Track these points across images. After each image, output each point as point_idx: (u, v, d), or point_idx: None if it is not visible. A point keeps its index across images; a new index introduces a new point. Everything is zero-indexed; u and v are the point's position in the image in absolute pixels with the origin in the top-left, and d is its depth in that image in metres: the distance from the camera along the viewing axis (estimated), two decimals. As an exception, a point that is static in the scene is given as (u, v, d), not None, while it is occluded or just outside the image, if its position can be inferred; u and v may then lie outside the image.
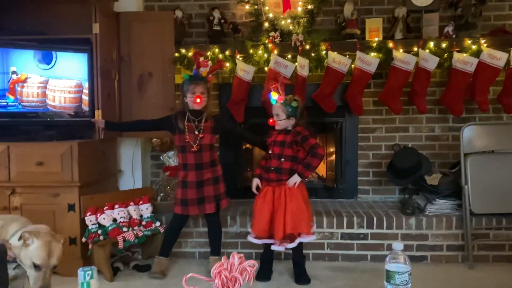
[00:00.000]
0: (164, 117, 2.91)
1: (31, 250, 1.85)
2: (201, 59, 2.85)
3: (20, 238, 1.88)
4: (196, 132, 2.79)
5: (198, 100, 2.74)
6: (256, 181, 2.85)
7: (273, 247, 2.72)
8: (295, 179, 2.71)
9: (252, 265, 1.31)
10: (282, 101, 2.76)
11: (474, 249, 3.05)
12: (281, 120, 2.77)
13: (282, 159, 2.74)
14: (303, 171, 2.72)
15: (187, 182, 2.81)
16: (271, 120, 2.79)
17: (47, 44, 3.09)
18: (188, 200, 2.80)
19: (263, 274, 2.79)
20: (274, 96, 2.79)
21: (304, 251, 2.91)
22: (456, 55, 3.27)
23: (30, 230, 1.87)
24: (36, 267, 1.84)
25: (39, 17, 3.32)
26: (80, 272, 0.97)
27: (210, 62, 2.94)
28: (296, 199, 2.72)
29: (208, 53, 3.38)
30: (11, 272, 1.96)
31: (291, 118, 2.76)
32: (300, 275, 2.79)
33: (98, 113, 3.05)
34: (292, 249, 2.76)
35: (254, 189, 2.85)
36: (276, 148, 2.77)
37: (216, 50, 3.39)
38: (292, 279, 2.82)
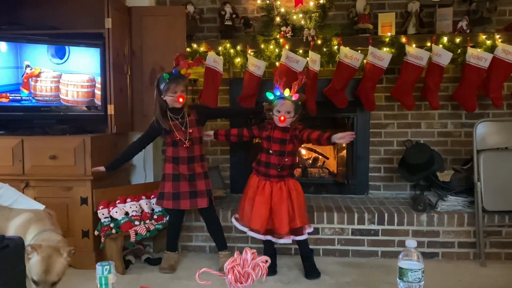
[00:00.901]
0: (148, 129, 2.89)
1: (31, 265, 1.82)
2: (181, 58, 2.79)
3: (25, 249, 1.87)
4: (183, 128, 2.79)
5: (180, 100, 2.73)
6: (209, 133, 2.97)
7: (280, 241, 2.72)
8: (342, 136, 2.56)
9: (265, 261, 1.32)
10: (297, 99, 2.71)
11: (486, 246, 3.02)
12: (290, 118, 2.71)
13: (286, 159, 2.73)
14: (326, 135, 2.62)
15: (180, 174, 2.81)
16: (282, 120, 2.66)
17: (60, 38, 3.11)
18: (181, 193, 2.81)
19: (270, 269, 2.79)
20: (287, 92, 2.70)
21: (315, 247, 2.92)
22: (470, 51, 3.23)
23: (33, 244, 1.86)
24: (34, 282, 1.82)
25: (52, 12, 3.34)
26: (98, 266, 0.99)
27: (190, 61, 2.88)
28: (301, 193, 2.78)
29: (220, 48, 3.39)
30: None
31: (295, 116, 2.73)
32: (310, 269, 2.80)
33: (110, 107, 3.07)
34: (299, 243, 2.80)
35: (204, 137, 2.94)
36: (275, 145, 2.75)
37: (228, 45, 3.39)
38: (301, 274, 2.83)
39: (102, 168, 2.88)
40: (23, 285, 1.58)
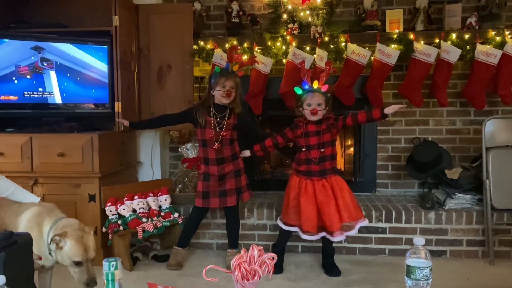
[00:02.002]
0: (185, 110, 2.87)
1: (67, 251, 1.88)
2: (235, 53, 2.80)
3: (51, 242, 1.91)
4: (218, 129, 2.76)
5: (227, 94, 2.69)
6: (245, 152, 2.93)
7: (334, 239, 2.68)
8: (394, 107, 2.54)
9: (271, 258, 1.31)
10: (326, 90, 2.66)
11: (494, 244, 3.00)
12: (322, 110, 2.64)
13: (322, 149, 2.67)
14: (377, 108, 2.61)
15: (209, 175, 2.81)
16: (314, 113, 2.60)
17: (68, 36, 3.13)
18: (210, 193, 2.81)
19: (277, 266, 2.80)
20: (316, 85, 2.64)
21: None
22: (479, 47, 3.20)
23: (59, 233, 1.90)
24: (77, 263, 1.89)
25: (60, 10, 3.36)
26: (105, 262, 0.99)
27: (245, 57, 2.86)
28: (347, 189, 2.72)
29: (227, 45, 3.39)
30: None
31: (326, 107, 2.68)
32: (332, 267, 2.80)
33: (118, 105, 3.08)
34: (324, 241, 2.79)
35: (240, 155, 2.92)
36: (313, 138, 2.69)
37: (234, 42, 3.39)
38: (308, 271, 2.83)
39: (126, 122, 2.95)
40: (32, 281, 1.60)
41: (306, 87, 2.68)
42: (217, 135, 2.76)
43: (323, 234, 2.71)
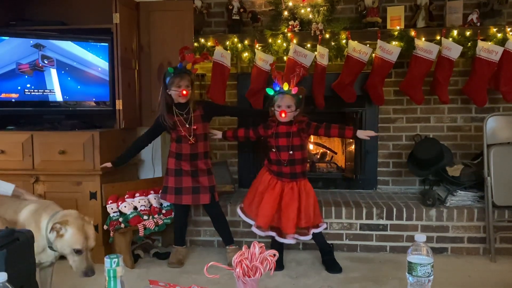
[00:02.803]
0: (153, 125, 2.88)
1: (67, 239, 1.89)
2: (186, 52, 2.78)
3: (51, 230, 1.91)
4: (187, 125, 2.77)
5: (184, 93, 2.71)
6: (217, 133, 2.99)
7: (283, 240, 2.74)
8: (366, 131, 2.72)
9: (273, 255, 1.32)
10: (296, 92, 2.67)
11: (496, 241, 3.00)
12: (292, 112, 2.68)
13: (291, 151, 2.72)
14: (351, 128, 2.73)
15: (182, 170, 2.80)
16: (283, 115, 2.65)
17: (68, 34, 3.12)
18: (183, 189, 2.80)
19: (277, 263, 2.80)
20: (286, 87, 2.67)
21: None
22: (480, 44, 3.19)
23: (60, 221, 1.91)
24: (77, 252, 1.89)
25: (60, 8, 3.35)
26: (106, 259, 0.99)
27: (196, 55, 2.85)
28: (312, 194, 2.79)
29: (227, 43, 3.39)
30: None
31: (297, 109, 2.71)
32: (332, 264, 2.81)
33: (119, 103, 3.08)
34: (315, 241, 2.83)
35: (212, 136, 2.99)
36: (282, 139, 2.74)
37: (235, 40, 3.39)
38: (310, 269, 2.83)
39: (109, 164, 2.89)
40: (34, 278, 1.60)
41: (277, 88, 2.70)
42: (189, 130, 2.77)
43: (272, 233, 2.77)
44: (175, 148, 2.84)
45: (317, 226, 2.81)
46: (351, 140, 3.85)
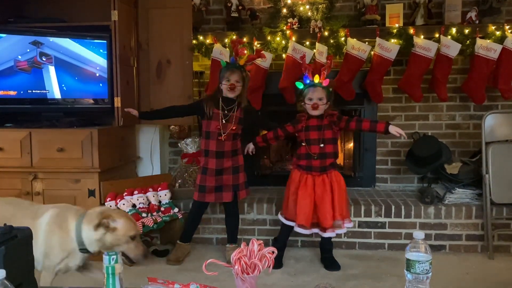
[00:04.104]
0: (195, 102, 2.92)
1: (121, 229, 1.87)
2: (240, 46, 2.80)
3: (98, 228, 1.85)
4: (224, 121, 2.76)
5: (231, 87, 2.70)
6: (251, 146, 2.97)
7: (325, 235, 2.71)
8: (398, 129, 2.60)
9: (271, 252, 1.31)
10: (327, 85, 2.65)
11: (494, 239, 3.01)
12: (323, 105, 2.64)
13: (322, 145, 2.67)
14: (383, 122, 2.64)
15: (207, 169, 2.81)
16: (315, 105, 2.61)
17: (67, 31, 3.12)
18: (206, 187, 2.81)
19: (276, 261, 2.80)
20: (317, 79, 2.63)
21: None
22: (479, 41, 3.19)
23: (104, 216, 1.87)
24: (133, 238, 1.89)
25: (59, 5, 3.35)
26: (105, 256, 0.99)
27: (246, 51, 2.84)
28: (344, 187, 2.75)
29: (226, 40, 3.38)
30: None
31: (328, 102, 2.67)
32: (331, 261, 2.81)
33: (117, 100, 3.08)
34: (322, 236, 2.80)
35: (248, 151, 2.97)
36: (313, 133, 2.69)
37: (234, 37, 3.38)
38: (308, 266, 2.84)
39: (135, 112, 2.93)
40: (32, 275, 1.59)
41: (308, 81, 2.66)
42: (224, 127, 2.76)
43: (316, 230, 2.74)
44: (204, 144, 2.84)
45: (349, 221, 2.78)
46: (350, 138, 3.85)
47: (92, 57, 3.12)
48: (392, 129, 2.59)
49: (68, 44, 3.07)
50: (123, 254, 1.90)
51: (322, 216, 2.67)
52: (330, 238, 2.82)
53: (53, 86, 3.06)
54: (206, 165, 2.82)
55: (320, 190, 2.68)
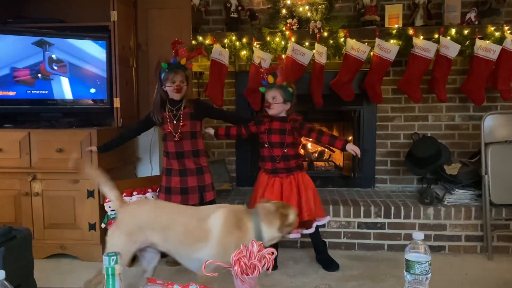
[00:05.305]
0: (144, 118, 2.85)
1: (294, 221, 2.02)
2: (179, 47, 2.76)
3: (281, 228, 1.94)
4: (175, 121, 2.73)
5: (177, 89, 2.68)
6: (210, 129, 2.99)
7: (289, 236, 2.72)
8: (355, 147, 2.61)
9: (271, 253, 1.31)
10: (280, 84, 2.68)
11: (493, 240, 3.01)
12: (277, 103, 2.68)
13: (285, 150, 2.71)
14: (342, 139, 2.66)
15: (171, 169, 2.76)
16: (269, 105, 2.69)
17: (66, 32, 3.11)
18: (172, 189, 2.76)
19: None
20: (271, 79, 2.69)
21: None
22: (478, 42, 3.20)
23: (283, 210, 1.98)
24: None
25: (58, 5, 3.34)
26: (105, 257, 0.99)
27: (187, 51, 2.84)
28: (312, 187, 2.76)
29: (226, 41, 3.38)
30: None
31: (287, 102, 2.70)
32: (329, 262, 2.82)
33: (116, 101, 3.07)
34: (312, 237, 2.80)
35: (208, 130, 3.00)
36: (275, 136, 2.72)
37: (233, 38, 3.38)
38: (307, 267, 2.83)
39: (94, 148, 2.87)
40: (32, 275, 1.60)
41: (265, 83, 2.74)
42: (175, 127, 2.72)
43: (304, 231, 2.74)
44: (164, 146, 2.82)
45: (323, 219, 2.80)
46: (349, 138, 3.85)
47: (91, 57, 3.12)
48: (349, 147, 2.60)
49: (67, 44, 3.06)
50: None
51: None
52: (319, 237, 2.85)
53: (53, 86, 3.06)
54: (170, 166, 2.77)
55: (287, 192, 2.72)
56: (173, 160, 2.76)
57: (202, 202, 2.81)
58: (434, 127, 3.63)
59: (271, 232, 1.94)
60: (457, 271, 2.77)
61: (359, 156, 2.64)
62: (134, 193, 3.01)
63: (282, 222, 1.94)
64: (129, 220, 2.04)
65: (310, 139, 2.85)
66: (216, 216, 1.94)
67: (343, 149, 2.65)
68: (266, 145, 2.76)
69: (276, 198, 2.70)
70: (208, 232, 1.90)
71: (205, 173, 2.81)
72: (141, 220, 2.01)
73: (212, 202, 2.79)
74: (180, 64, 2.73)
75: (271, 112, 2.71)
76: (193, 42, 3.37)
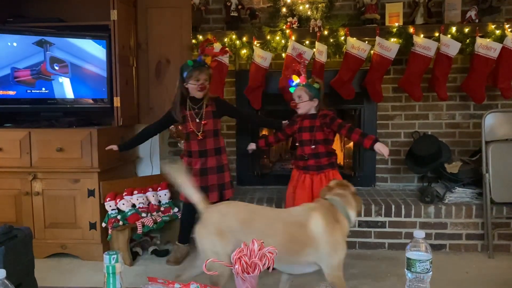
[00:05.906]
0: (164, 116, 2.86)
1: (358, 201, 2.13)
2: (207, 45, 2.80)
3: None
4: (197, 120, 2.75)
5: (201, 87, 2.69)
6: (252, 145, 3.07)
7: None
8: (383, 147, 2.50)
9: (272, 252, 1.31)
10: (304, 83, 2.70)
11: (494, 238, 3.01)
12: (303, 102, 2.70)
13: (313, 146, 2.69)
14: (371, 138, 2.56)
15: (192, 169, 2.78)
16: (295, 105, 2.72)
17: (66, 31, 3.11)
18: None
19: None
20: (295, 79, 2.72)
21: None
22: (478, 40, 3.19)
23: (354, 206, 2.06)
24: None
25: (58, 5, 3.34)
26: (105, 256, 0.99)
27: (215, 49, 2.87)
28: None
29: (226, 39, 3.38)
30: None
31: (314, 99, 2.70)
32: None
33: (116, 100, 3.07)
34: None
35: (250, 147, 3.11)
36: (305, 134, 2.72)
37: (233, 36, 3.38)
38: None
39: (115, 147, 2.89)
40: (32, 275, 1.59)
41: (292, 83, 2.77)
42: (198, 126, 2.75)
43: None
44: (186, 146, 2.83)
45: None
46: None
47: (91, 57, 3.12)
48: (377, 147, 2.50)
49: (67, 43, 3.06)
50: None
51: None
52: None
53: (53, 85, 3.06)
54: (190, 165, 2.79)
55: (317, 189, 2.68)
56: (195, 159, 2.78)
57: (221, 200, 2.83)
58: (434, 126, 3.62)
59: (353, 214, 2.06)
60: (458, 269, 2.77)
61: (386, 157, 2.56)
62: (135, 192, 3.02)
63: (357, 200, 2.07)
64: (217, 220, 1.96)
65: (340, 135, 2.86)
66: (316, 221, 1.95)
67: (370, 149, 2.58)
68: (297, 144, 2.79)
69: (307, 194, 2.69)
70: (314, 237, 1.93)
71: (225, 171, 2.86)
72: (232, 223, 1.94)
73: (230, 199, 2.85)
74: (205, 62, 2.75)
75: (299, 111, 2.75)
76: (193, 41, 3.37)
